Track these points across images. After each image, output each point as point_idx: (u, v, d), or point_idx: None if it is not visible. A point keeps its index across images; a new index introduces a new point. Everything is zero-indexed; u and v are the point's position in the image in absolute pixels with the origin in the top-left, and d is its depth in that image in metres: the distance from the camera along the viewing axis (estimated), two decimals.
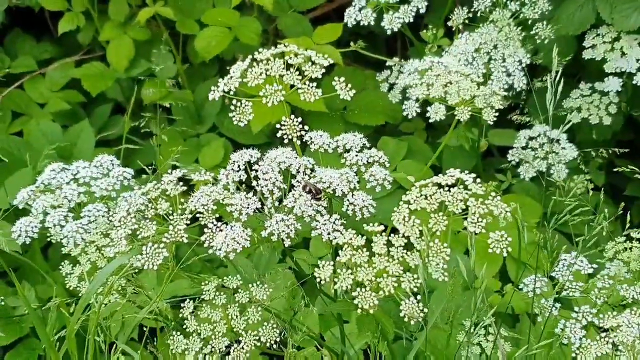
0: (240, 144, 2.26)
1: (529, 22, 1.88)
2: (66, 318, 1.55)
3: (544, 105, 1.97)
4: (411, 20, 1.83)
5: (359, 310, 1.08)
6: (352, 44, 2.05)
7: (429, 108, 1.69)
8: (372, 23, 1.88)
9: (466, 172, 1.18)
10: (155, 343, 1.83)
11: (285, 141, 1.28)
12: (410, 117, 1.73)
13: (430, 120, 1.66)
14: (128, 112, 2.10)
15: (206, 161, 2.21)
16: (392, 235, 1.12)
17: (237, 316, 1.24)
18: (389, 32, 1.85)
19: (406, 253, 1.11)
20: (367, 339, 1.62)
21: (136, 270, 1.35)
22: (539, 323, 1.85)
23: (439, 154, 2.30)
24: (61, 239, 1.41)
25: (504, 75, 1.73)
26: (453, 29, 1.90)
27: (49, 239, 1.46)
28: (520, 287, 1.42)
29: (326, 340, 1.81)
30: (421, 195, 1.14)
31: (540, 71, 2.06)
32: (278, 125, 1.16)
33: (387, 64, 2.14)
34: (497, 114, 1.32)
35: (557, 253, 1.45)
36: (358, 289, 1.09)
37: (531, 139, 1.92)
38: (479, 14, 1.87)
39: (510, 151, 1.93)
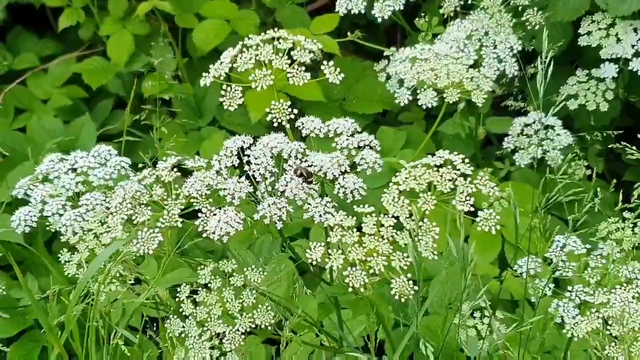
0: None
1: (520, 8, 1.89)
2: (66, 305, 1.57)
3: (554, 89, 1.99)
4: (402, 7, 1.84)
5: (349, 289, 1.10)
6: (349, 34, 2.06)
7: (419, 95, 1.71)
8: (363, 11, 1.89)
9: (455, 153, 1.19)
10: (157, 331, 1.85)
11: (281, 127, 1.30)
12: (402, 104, 1.75)
13: (421, 105, 1.67)
14: (129, 106, 2.13)
15: (207, 154, 2.23)
16: (381, 215, 1.14)
17: (232, 299, 1.26)
18: (379, 19, 1.86)
19: (396, 233, 1.13)
20: (363, 323, 1.64)
21: (135, 258, 1.38)
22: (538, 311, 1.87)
23: (437, 143, 2.33)
24: (59, 228, 1.43)
25: (495, 61, 1.74)
26: (445, 17, 1.91)
27: (53, 232, 1.48)
28: (514, 269, 1.44)
29: (325, 327, 1.83)
30: (410, 176, 1.16)
31: (536, 58, 2.07)
32: (267, 110, 1.18)
33: (384, 53, 2.15)
34: (485, 96, 1.34)
35: (552, 235, 1.47)
36: (349, 268, 1.10)
37: (526, 125, 1.93)
38: (470, 2, 1.88)
39: (505, 138, 1.94)
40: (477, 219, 1.13)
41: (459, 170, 1.15)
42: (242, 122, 2.34)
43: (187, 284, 1.28)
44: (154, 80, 2.26)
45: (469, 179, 1.15)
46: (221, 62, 1.22)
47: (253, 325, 1.25)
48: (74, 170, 1.49)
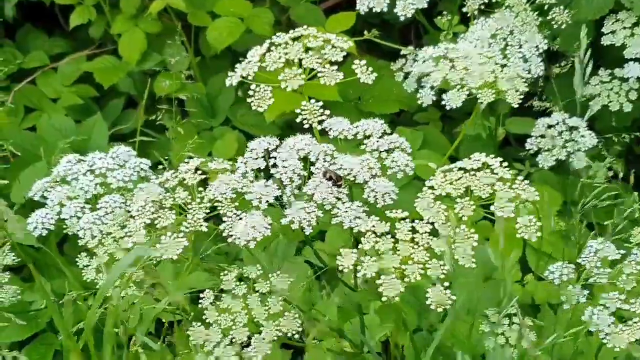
0: (254, 137, 2.23)
1: (546, 7, 1.83)
2: (83, 312, 1.52)
3: (564, 92, 1.94)
4: (425, 6, 1.79)
5: (383, 299, 1.05)
6: (365, 32, 2.01)
7: (444, 95, 1.66)
8: (385, 10, 1.84)
9: (491, 156, 1.14)
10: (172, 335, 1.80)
11: (303, 128, 1.25)
12: (425, 105, 1.70)
13: (447, 108, 1.63)
14: (142, 105, 2.08)
15: (220, 154, 2.18)
16: (416, 221, 1.09)
17: (257, 305, 1.21)
18: (402, 18, 1.81)
19: (431, 239, 1.07)
20: (389, 329, 1.59)
21: (154, 262, 1.33)
22: (560, 313, 1.82)
23: (455, 144, 2.28)
24: (77, 231, 1.38)
25: (521, 61, 1.69)
26: (468, 15, 1.86)
27: (64, 233, 1.44)
28: (545, 275, 1.38)
29: (345, 332, 1.78)
30: (445, 180, 1.11)
31: (558, 58, 2.02)
32: (298, 110, 1.13)
33: (401, 52, 2.10)
34: (522, 96, 1.29)
35: (582, 240, 1.42)
36: (383, 277, 1.05)
37: (549, 126, 1.87)
38: (494, 0, 1.83)
39: (528, 140, 1.89)
40: (517, 226, 1.08)
41: (497, 174, 1.10)
42: (255, 123, 2.29)
43: (210, 289, 1.23)
44: (168, 79, 2.21)
45: (508, 183, 1.10)
46: (249, 61, 1.16)
47: (280, 334, 1.19)
48: (92, 171, 1.44)
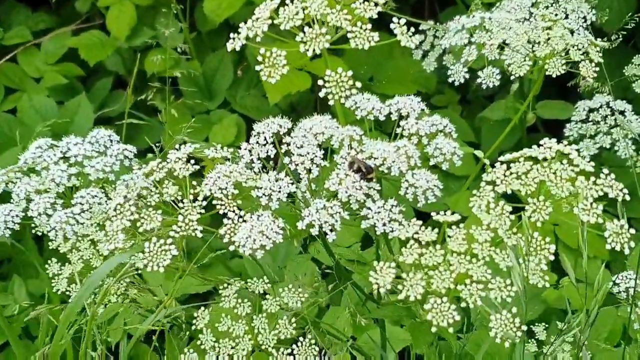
0: (255, 121, 1.95)
1: None
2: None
3: (611, 71, 1.66)
4: None
5: (433, 329, 0.78)
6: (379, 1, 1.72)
7: (480, 73, 1.39)
8: None
9: (565, 143, 0.86)
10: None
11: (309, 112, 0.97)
12: (457, 83, 1.43)
13: (483, 87, 1.36)
14: (130, 84, 1.79)
15: (217, 140, 1.90)
16: (474, 228, 0.81)
17: (265, 329, 0.93)
18: None
19: (494, 251, 0.80)
20: (405, 342, 1.33)
21: (138, 269, 1.05)
22: (598, 321, 1.55)
23: (476, 129, 2.00)
24: (48, 231, 1.10)
25: (567, 32, 1.41)
26: None
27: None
28: (609, 287, 1.11)
29: (358, 344, 1.51)
30: (510, 174, 0.83)
31: (596, 34, 1.74)
32: (320, 82, 0.85)
33: (420, 27, 1.81)
34: (597, 69, 1.01)
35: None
36: (432, 300, 0.77)
37: (591, 110, 1.60)
38: None
39: (567, 125, 1.61)
40: (606, 234, 0.81)
41: (577, 165, 0.82)
42: (256, 105, 2.02)
43: (205, 307, 0.95)
44: (160, 54, 1.92)
45: (592, 179, 0.82)
46: (257, 18, 0.87)
47: None
48: (66, 159, 1.15)
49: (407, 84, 1.93)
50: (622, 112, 1.55)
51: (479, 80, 1.32)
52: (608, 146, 1.56)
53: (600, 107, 1.57)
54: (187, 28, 2.04)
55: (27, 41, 2.17)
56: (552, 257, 0.78)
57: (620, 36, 1.54)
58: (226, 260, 1.73)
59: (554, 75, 1.04)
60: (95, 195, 1.07)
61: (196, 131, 1.92)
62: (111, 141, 1.17)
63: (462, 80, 1.38)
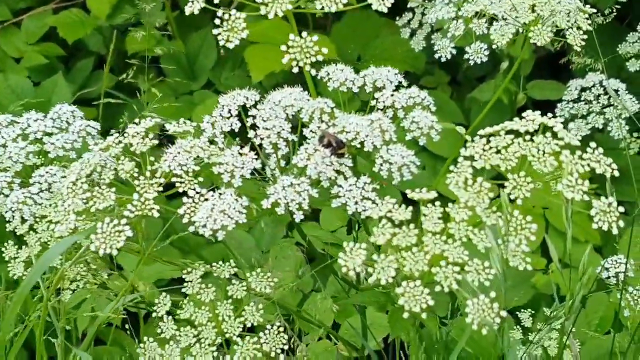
0: None
1: None
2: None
3: (606, 48, 1.58)
4: None
5: (405, 315, 0.70)
6: None
7: (467, 48, 1.31)
8: None
9: (549, 116, 0.79)
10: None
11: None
12: (444, 59, 1.35)
13: (470, 63, 1.28)
14: (108, 62, 1.71)
15: (200, 121, 1.82)
16: (450, 206, 0.74)
17: (229, 317, 0.86)
18: None
19: (472, 231, 0.72)
20: (398, 334, 1.26)
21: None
22: (588, 308, 1.49)
23: (466, 110, 1.93)
24: (5, 213, 1.03)
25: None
26: None
27: None
28: (596, 270, 1.04)
29: (341, 331, 1.44)
30: (489, 148, 0.75)
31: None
32: (284, 48, 0.77)
33: (408, 5, 1.74)
34: (585, 37, 0.93)
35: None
36: (404, 284, 0.70)
37: (584, 89, 1.52)
38: None
39: (559, 105, 1.54)
40: (592, 212, 0.73)
41: (561, 139, 0.75)
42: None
43: (164, 292, 0.88)
44: (142, 31, 1.84)
45: (578, 153, 0.75)
46: None
47: (259, 354, 0.85)
48: (25, 136, 1.08)
49: (395, 63, 1.85)
50: (615, 92, 1.48)
51: (466, 56, 1.25)
52: (600, 126, 1.48)
53: (593, 86, 1.50)
54: (169, 6, 1.96)
55: (6, 20, 2.09)
56: (533, 238, 0.71)
57: (614, 10, 1.47)
58: (206, 245, 1.66)
59: (539, 44, 0.96)
60: (55, 174, 1.00)
61: (179, 112, 1.85)
62: (74, 117, 1.09)
63: (449, 56, 1.31)
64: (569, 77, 1.64)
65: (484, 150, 0.75)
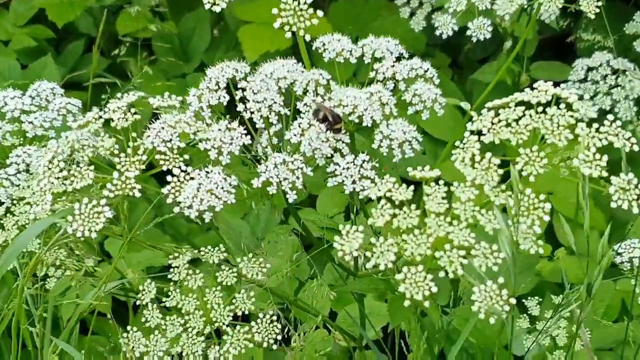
0: None
1: None
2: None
3: (614, 26, 1.51)
4: None
5: (406, 303, 0.64)
6: None
7: (469, 24, 1.25)
8: None
9: (562, 87, 0.73)
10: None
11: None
12: (446, 36, 1.28)
13: (473, 40, 1.22)
14: (97, 43, 1.64)
15: None
16: (455, 184, 0.68)
17: (219, 305, 0.80)
18: None
19: (479, 212, 0.66)
20: (398, 323, 1.20)
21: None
22: (594, 296, 1.43)
23: (467, 93, 1.86)
24: None
25: None
26: None
27: None
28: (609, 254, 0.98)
29: (338, 320, 1.38)
30: (499, 122, 0.69)
31: None
32: (275, 11, 0.71)
33: None
34: (599, 3, 0.87)
35: None
36: (405, 269, 0.64)
37: (590, 69, 1.45)
38: None
39: (562, 85, 1.47)
40: (611, 190, 0.67)
41: (577, 111, 0.69)
42: None
43: (153, 280, 0.82)
44: (131, 18, 1.77)
45: (594, 126, 0.69)
46: None
47: (250, 345, 0.78)
48: (2, 115, 1.01)
49: None
50: (623, 72, 1.41)
51: (469, 33, 1.18)
52: (608, 108, 1.42)
53: (600, 65, 1.44)
54: None
55: None
56: (547, 218, 0.65)
57: None
58: (203, 231, 1.60)
59: (548, 14, 0.90)
60: (33, 155, 0.93)
61: (171, 94, 1.79)
62: (54, 95, 1.03)
63: (450, 33, 1.24)
64: (572, 60, 1.58)
65: (492, 123, 0.68)
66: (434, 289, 0.63)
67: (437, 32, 1.27)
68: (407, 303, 0.63)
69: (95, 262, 1.07)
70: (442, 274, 0.64)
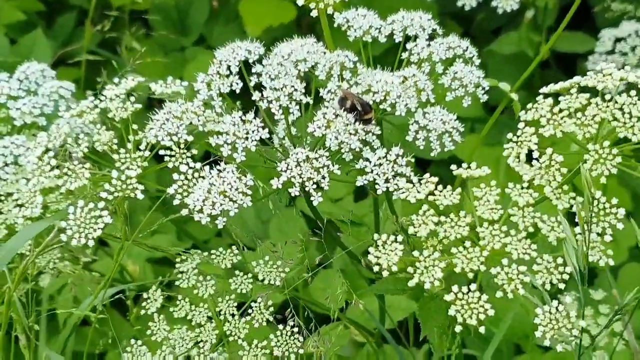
0: None
1: None
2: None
3: None
4: None
5: (457, 328, 0.54)
6: None
7: None
8: None
9: (628, 68, 0.62)
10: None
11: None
12: (468, 8, 1.18)
13: (499, 12, 1.11)
14: (90, 15, 1.53)
15: (193, 80, 1.65)
16: (510, 185, 0.57)
17: (233, 316, 0.70)
18: None
19: (540, 219, 0.56)
20: (404, 311, 1.12)
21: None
22: (620, 281, 1.34)
23: (481, 65, 1.76)
24: None
25: None
26: None
27: None
28: None
29: (353, 313, 1.29)
30: (560, 110, 0.59)
31: None
32: None
33: None
34: None
35: None
36: (455, 289, 0.54)
37: (618, 40, 1.35)
38: None
39: (590, 57, 1.36)
40: None
41: None
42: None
43: (157, 287, 0.72)
44: None
45: None
46: None
47: None
48: None
49: None
50: None
51: (494, 4, 1.07)
52: (636, 81, 1.32)
53: (629, 36, 1.33)
54: None
55: None
56: (620, 225, 0.55)
57: None
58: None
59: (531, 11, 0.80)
60: (21, 145, 0.83)
61: (169, 70, 1.67)
62: (44, 77, 0.92)
63: (474, 4, 1.13)
64: (594, 30, 1.47)
65: (552, 113, 0.58)
66: (491, 312, 0.53)
67: (459, 3, 1.16)
68: (458, 329, 0.54)
69: (90, 259, 0.98)
70: (499, 294, 0.54)
